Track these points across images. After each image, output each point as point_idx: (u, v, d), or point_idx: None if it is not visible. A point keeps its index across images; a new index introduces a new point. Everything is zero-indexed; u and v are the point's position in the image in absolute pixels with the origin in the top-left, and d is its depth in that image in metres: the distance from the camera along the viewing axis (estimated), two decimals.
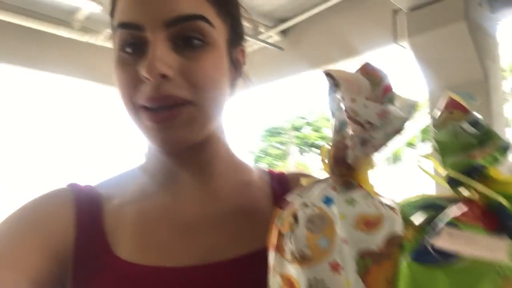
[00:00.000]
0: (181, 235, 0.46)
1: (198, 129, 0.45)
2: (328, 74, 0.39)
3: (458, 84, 2.08)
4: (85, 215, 0.45)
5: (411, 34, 2.19)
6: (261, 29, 2.90)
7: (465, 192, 0.37)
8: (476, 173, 0.36)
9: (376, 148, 0.40)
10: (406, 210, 0.39)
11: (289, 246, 0.35)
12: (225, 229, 0.48)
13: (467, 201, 0.37)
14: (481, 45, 2.08)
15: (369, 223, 0.34)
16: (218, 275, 0.43)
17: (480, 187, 0.35)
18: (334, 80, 0.38)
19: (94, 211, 0.46)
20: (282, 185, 0.55)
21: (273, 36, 3.07)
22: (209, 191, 0.51)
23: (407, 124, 0.38)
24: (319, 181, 0.42)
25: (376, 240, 0.33)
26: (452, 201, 0.38)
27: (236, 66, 0.52)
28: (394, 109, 0.36)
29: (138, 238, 0.45)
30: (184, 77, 0.42)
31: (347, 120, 0.37)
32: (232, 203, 0.51)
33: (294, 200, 0.39)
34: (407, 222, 0.37)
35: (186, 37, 0.42)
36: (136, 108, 0.43)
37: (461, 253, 0.30)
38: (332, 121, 0.42)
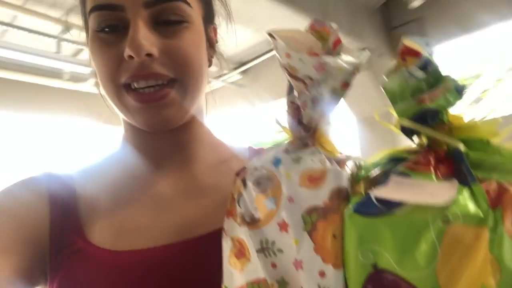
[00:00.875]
0: (157, 216, 0.46)
1: (185, 108, 0.45)
2: (270, 35, 0.38)
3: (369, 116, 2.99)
4: (59, 202, 0.46)
5: None
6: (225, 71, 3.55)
7: (419, 140, 0.35)
8: (430, 118, 0.34)
9: (329, 105, 0.39)
10: (371, 167, 0.38)
11: (239, 210, 0.35)
12: (200, 206, 0.48)
13: (428, 150, 0.36)
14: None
15: (312, 179, 0.33)
16: (191, 251, 0.43)
17: (431, 132, 0.33)
18: (275, 39, 0.37)
19: (68, 198, 0.47)
20: None
21: (234, 76, 3.76)
22: (187, 171, 0.51)
23: (352, 77, 0.37)
24: (277, 145, 0.41)
25: (320, 195, 0.33)
26: (416, 152, 0.36)
27: (210, 44, 0.53)
28: (332, 60, 0.35)
29: (113, 223, 0.45)
30: (167, 55, 0.42)
31: (289, 77, 0.36)
32: (208, 181, 0.51)
33: (248, 165, 0.39)
34: (363, 176, 0.36)
35: (166, 17, 0.43)
36: (118, 88, 0.43)
37: (404, 201, 0.29)
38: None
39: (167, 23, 0.43)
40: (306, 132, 0.40)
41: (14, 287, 0.40)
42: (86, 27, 0.49)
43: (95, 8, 0.43)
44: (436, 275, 0.29)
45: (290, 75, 0.36)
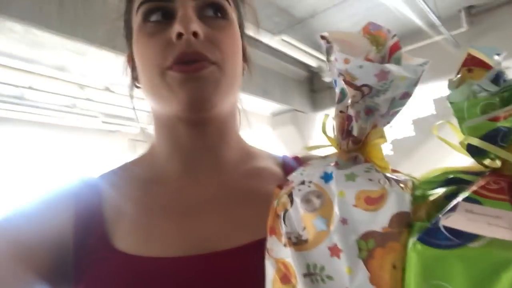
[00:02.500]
0: (184, 224, 0.44)
1: (220, 91, 0.45)
2: (323, 37, 0.35)
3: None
4: (84, 208, 0.45)
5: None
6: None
7: (490, 162, 0.32)
8: (501, 138, 0.30)
9: (384, 117, 0.36)
10: (426, 187, 0.35)
11: (284, 228, 0.32)
12: (231, 217, 0.45)
13: (494, 173, 0.32)
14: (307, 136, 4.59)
15: (370, 200, 0.30)
16: (221, 264, 0.41)
17: (505, 154, 0.30)
18: (329, 42, 0.34)
19: (93, 204, 0.45)
20: (295, 168, 0.52)
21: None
22: (216, 177, 0.49)
23: (414, 87, 0.33)
24: (324, 157, 0.38)
25: (379, 220, 0.29)
26: (480, 174, 0.33)
27: (244, 53, 0.54)
28: (395, 68, 0.31)
29: (139, 229, 0.43)
30: (211, 42, 0.44)
31: (345, 85, 0.33)
32: (240, 190, 0.48)
33: (293, 178, 0.36)
34: (422, 199, 0.33)
35: (210, 11, 0.46)
36: (163, 70, 0.44)
37: (478, 233, 0.26)
38: (336, 91, 0.38)
39: (211, 15, 0.46)
40: (355, 144, 0.37)
41: None
42: (128, 31, 0.50)
43: (146, 0, 0.45)
44: None
45: (347, 82, 0.32)
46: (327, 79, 3.88)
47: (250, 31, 0.56)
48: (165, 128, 0.49)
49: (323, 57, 0.35)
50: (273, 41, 3.45)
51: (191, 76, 0.43)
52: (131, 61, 0.52)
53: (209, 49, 0.44)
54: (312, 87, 4.79)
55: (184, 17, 0.42)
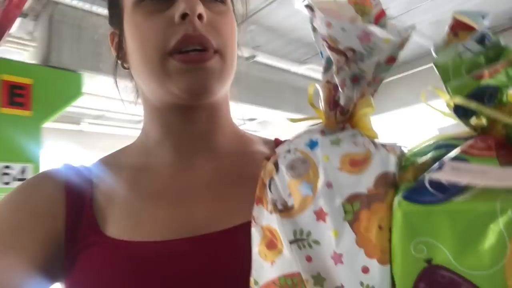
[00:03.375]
0: (176, 209, 0.44)
1: (222, 81, 0.45)
2: (308, 6, 0.35)
3: None
4: (75, 195, 0.44)
5: None
6: None
7: (477, 122, 0.31)
8: (488, 97, 0.30)
9: (370, 85, 0.36)
10: (417, 154, 0.34)
11: (270, 196, 0.32)
12: (223, 202, 0.45)
13: (483, 134, 0.32)
14: None
15: (355, 162, 0.29)
16: (211, 246, 0.40)
17: (492, 112, 0.29)
18: (313, 11, 0.34)
19: (84, 190, 0.45)
20: None
21: None
22: (209, 162, 0.48)
23: (399, 50, 0.33)
24: (311, 127, 0.38)
25: (364, 181, 0.29)
26: (470, 138, 0.32)
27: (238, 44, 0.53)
28: (378, 30, 0.31)
29: (129, 215, 0.43)
30: (213, 27, 0.44)
31: (328, 51, 0.32)
32: (233, 175, 0.48)
33: (280, 149, 0.36)
34: (411, 163, 0.32)
35: None
36: (164, 55, 0.42)
37: (466, 184, 0.25)
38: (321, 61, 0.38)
39: (210, 0, 0.45)
40: (343, 115, 0.36)
41: (30, 283, 0.39)
42: (114, 5, 0.49)
43: None
44: (504, 276, 0.24)
45: (330, 47, 0.32)
46: None
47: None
48: (157, 113, 0.49)
49: None
50: (301, 69, 4.26)
51: (195, 67, 0.42)
52: (114, 39, 0.51)
53: (212, 34, 0.43)
54: None
55: None
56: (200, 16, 0.41)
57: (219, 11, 0.45)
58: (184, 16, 0.41)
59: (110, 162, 0.51)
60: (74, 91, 2.68)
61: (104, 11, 0.54)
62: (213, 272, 0.38)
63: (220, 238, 0.41)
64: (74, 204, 0.44)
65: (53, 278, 0.42)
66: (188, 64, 0.42)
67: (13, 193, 0.45)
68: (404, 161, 0.33)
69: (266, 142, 0.55)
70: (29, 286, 0.40)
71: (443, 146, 0.33)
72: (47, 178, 0.46)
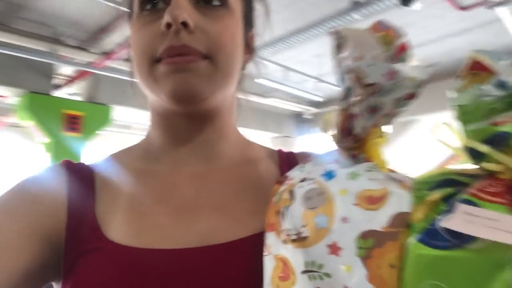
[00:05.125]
0: (179, 216, 0.43)
1: (212, 86, 0.44)
2: (334, 33, 0.35)
3: None
4: (77, 195, 0.43)
5: None
6: None
7: (488, 166, 0.32)
8: (501, 142, 0.31)
9: (387, 116, 0.36)
10: (422, 187, 0.35)
11: (284, 225, 0.32)
12: (226, 210, 0.45)
13: (491, 176, 0.33)
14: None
15: (372, 199, 0.30)
16: (216, 258, 0.40)
17: (505, 158, 0.30)
18: (340, 39, 0.34)
19: (86, 192, 0.44)
20: (290, 164, 0.51)
21: None
22: (212, 170, 0.48)
23: (420, 88, 0.33)
24: (324, 154, 0.38)
25: (379, 219, 0.30)
26: (477, 177, 0.33)
27: (248, 47, 0.52)
28: (405, 68, 0.31)
29: (132, 220, 0.43)
30: (203, 33, 0.43)
31: (353, 83, 0.33)
32: (236, 184, 0.48)
33: (293, 175, 0.36)
34: (420, 200, 0.33)
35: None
36: (152, 62, 0.43)
37: (477, 235, 0.26)
38: (340, 88, 0.38)
39: (207, 3, 0.44)
40: (355, 142, 0.37)
41: (26, 283, 0.38)
42: (131, 15, 0.49)
43: None
44: None
45: (356, 80, 0.32)
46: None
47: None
48: (162, 119, 0.48)
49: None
50: (267, 101, 5.14)
51: (177, 67, 0.42)
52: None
53: (200, 40, 0.42)
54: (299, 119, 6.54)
55: (175, 6, 0.41)
56: (185, 24, 0.41)
57: (216, 15, 0.44)
58: (168, 25, 0.41)
59: (113, 163, 0.50)
60: (106, 119, 4.19)
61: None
62: (215, 285, 0.39)
63: (225, 250, 0.41)
64: (76, 205, 0.43)
65: (49, 279, 0.42)
66: (172, 65, 0.42)
67: (12, 191, 0.43)
68: (415, 199, 0.33)
69: (269, 152, 0.55)
70: (24, 286, 0.39)
71: (452, 182, 0.34)
72: (48, 176, 0.45)
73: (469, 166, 0.36)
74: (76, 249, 0.41)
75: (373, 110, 0.35)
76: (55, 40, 3.50)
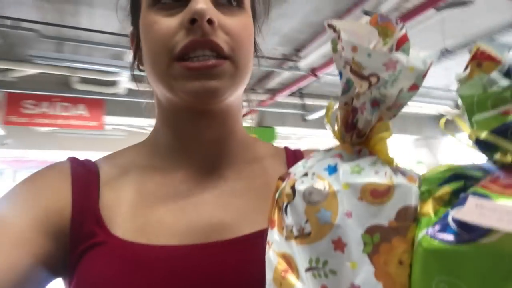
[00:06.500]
0: (183, 213, 0.43)
1: (234, 84, 0.44)
2: (330, 26, 0.34)
3: None
4: (81, 191, 0.43)
5: None
6: None
7: (501, 157, 0.31)
8: (511, 133, 0.30)
9: (390, 109, 0.35)
10: (431, 182, 0.34)
11: (286, 221, 0.31)
12: (230, 207, 0.44)
13: (504, 168, 0.31)
14: None
15: (377, 193, 0.29)
16: (220, 254, 0.40)
17: None
18: (337, 31, 0.33)
19: (91, 186, 0.44)
20: (297, 161, 0.51)
21: None
22: (218, 168, 0.48)
23: (423, 79, 0.32)
24: (327, 149, 0.37)
25: (385, 213, 0.28)
26: (488, 171, 0.32)
27: (255, 45, 0.52)
28: (404, 58, 0.30)
29: (137, 216, 0.42)
30: (224, 31, 0.42)
31: (351, 75, 0.32)
32: (240, 181, 0.47)
33: (296, 170, 0.35)
34: (429, 195, 0.32)
35: None
36: (170, 59, 0.41)
37: (491, 227, 0.25)
38: (340, 82, 0.37)
39: (225, 3, 0.44)
40: (359, 137, 0.36)
41: (34, 278, 0.38)
42: (135, 5, 0.48)
43: None
44: None
45: (353, 72, 0.31)
46: None
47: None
48: (170, 116, 0.48)
49: None
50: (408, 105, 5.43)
51: (200, 72, 0.41)
52: (135, 39, 0.50)
53: (223, 39, 0.42)
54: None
55: (200, 2, 0.40)
56: (210, 21, 0.40)
57: (234, 15, 0.44)
58: (193, 21, 0.40)
59: (119, 160, 0.49)
60: (273, 137, 5.36)
61: None
62: (218, 282, 0.38)
63: (228, 247, 0.40)
64: (80, 200, 0.43)
65: (56, 273, 0.41)
66: (194, 70, 0.41)
67: (18, 186, 0.44)
68: (421, 190, 0.32)
69: (276, 149, 0.54)
70: (32, 281, 0.38)
71: (461, 177, 0.33)
72: (54, 172, 0.45)
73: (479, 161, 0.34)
74: (81, 244, 0.40)
75: (376, 103, 0.34)
76: None
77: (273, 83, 5.00)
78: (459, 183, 0.32)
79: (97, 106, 4.72)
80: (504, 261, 0.24)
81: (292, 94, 5.10)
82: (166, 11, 0.42)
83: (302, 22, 3.56)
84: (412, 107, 5.17)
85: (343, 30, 0.32)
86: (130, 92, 4.53)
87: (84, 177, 0.45)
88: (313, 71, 4.04)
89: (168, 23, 0.41)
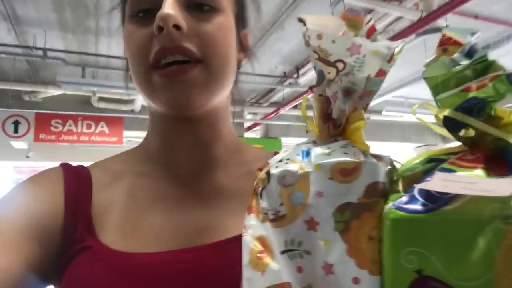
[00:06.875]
0: (171, 219, 0.43)
1: (208, 90, 0.44)
2: (300, 20, 0.36)
3: None
4: (73, 196, 0.44)
5: None
6: None
7: (463, 133, 0.32)
8: (477, 111, 0.30)
9: (362, 98, 0.36)
10: (408, 167, 0.34)
11: (261, 205, 0.32)
12: (218, 211, 0.44)
13: (470, 146, 0.32)
14: None
15: (346, 172, 0.30)
16: (205, 257, 0.40)
17: (480, 124, 0.30)
18: (305, 24, 0.35)
19: (82, 193, 0.45)
20: None
21: None
22: (206, 172, 0.48)
23: (389, 65, 0.33)
24: (305, 142, 0.38)
25: (354, 191, 0.29)
26: (458, 153, 0.33)
27: (242, 46, 0.52)
28: (368, 42, 0.32)
29: (125, 223, 0.43)
30: (195, 34, 0.42)
31: (319, 63, 0.33)
32: (228, 184, 0.48)
33: (272, 159, 0.36)
34: (401, 176, 0.33)
35: (197, 3, 0.44)
36: (146, 68, 0.42)
37: (454, 193, 0.25)
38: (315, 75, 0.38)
39: (199, 7, 0.44)
40: (336, 128, 0.37)
41: (25, 283, 0.38)
42: (123, 18, 0.49)
43: None
44: (494, 287, 0.24)
45: (321, 59, 0.33)
46: None
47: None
48: (157, 122, 0.49)
49: None
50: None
51: (174, 80, 0.42)
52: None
53: (193, 42, 0.42)
54: None
55: (163, 9, 0.40)
56: (177, 27, 0.41)
57: (207, 17, 0.44)
58: (161, 28, 0.40)
59: (110, 165, 0.50)
60: (279, 148, 5.23)
61: None
62: (203, 284, 0.38)
63: (214, 249, 0.40)
64: (72, 206, 0.43)
65: (47, 279, 0.41)
66: (167, 78, 0.41)
67: (11, 192, 0.44)
68: (396, 176, 0.33)
69: (266, 154, 0.54)
70: (24, 287, 0.38)
71: (434, 160, 0.34)
72: (47, 178, 0.46)
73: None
74: (70, 249, 0.41)
75: (348, 93, 0.35)
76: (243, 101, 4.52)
77: (276, 97, 5.57)
78: (432, 164, 0.33)
79: (117, 123, 5.20)
80: (466, 226, 0.25)
81: (295, 107, 5.53)
82: (143, 22, 0.43)
83: (299, 44, 4.00)
84: (414, 116, 5.25)
85: (310, 22, 0.34)
86: (143, 109, 4.90)
87: (77, 183, 0.45)
88: (312, 88, 4.21)
89: (143, 33, 0.43)
